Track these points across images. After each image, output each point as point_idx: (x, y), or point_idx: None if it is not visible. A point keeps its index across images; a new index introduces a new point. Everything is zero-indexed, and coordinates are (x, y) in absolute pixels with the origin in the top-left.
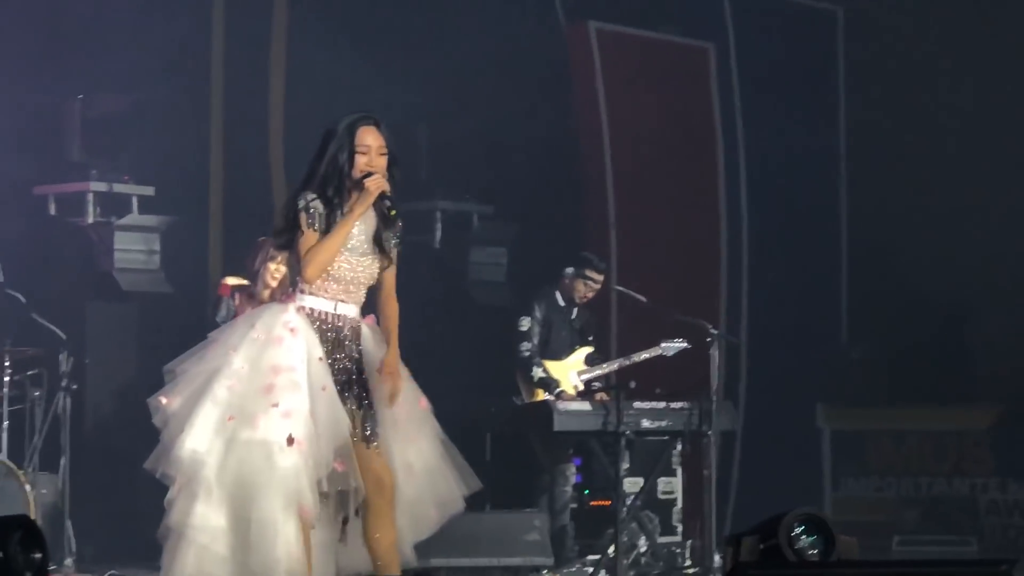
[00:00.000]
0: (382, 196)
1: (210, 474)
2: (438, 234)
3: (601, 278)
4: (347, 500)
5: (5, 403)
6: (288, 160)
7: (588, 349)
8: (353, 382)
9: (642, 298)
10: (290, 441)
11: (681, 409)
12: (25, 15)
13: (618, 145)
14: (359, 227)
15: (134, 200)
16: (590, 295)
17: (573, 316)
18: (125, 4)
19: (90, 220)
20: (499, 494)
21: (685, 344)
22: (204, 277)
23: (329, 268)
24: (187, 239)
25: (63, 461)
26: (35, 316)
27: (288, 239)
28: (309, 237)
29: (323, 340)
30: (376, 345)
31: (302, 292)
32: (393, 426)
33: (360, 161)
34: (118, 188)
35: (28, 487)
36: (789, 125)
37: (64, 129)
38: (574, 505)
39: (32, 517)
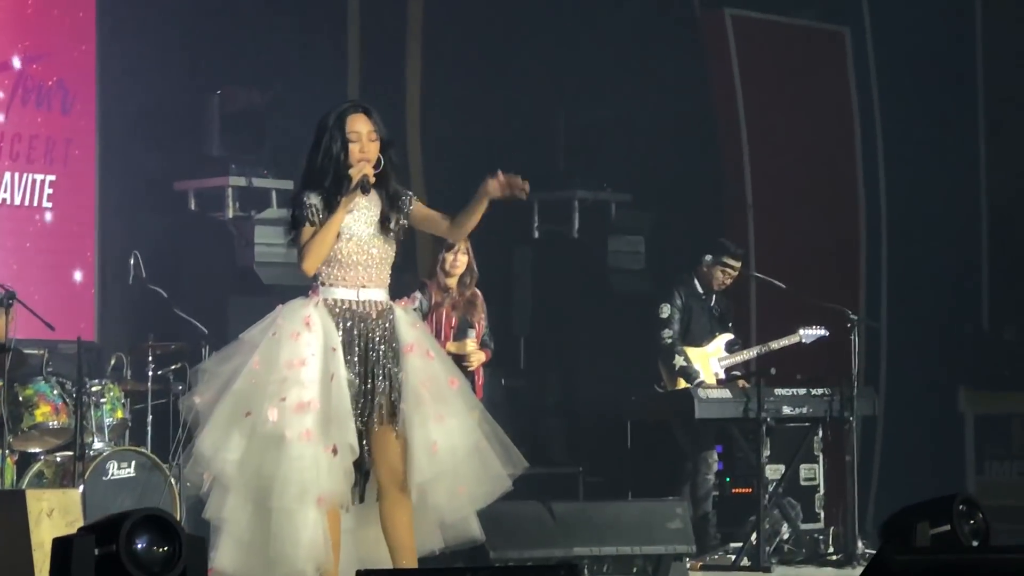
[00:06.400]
0: (378, 179)
1: (232, 469)
2: (576, 223)
3: (738, 265)
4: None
5: (149, 397)
6: (425, 149)
7: (728, 336)
8: (380, 366)
9: (781, 284)
10: (301, 433)
11: (822, 395)
12: (163, 12)
13: (755, 131)
14: (366, 212)
15: (273, 194)
16: (728, 282)
17: (712, 303)
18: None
19: (230, 215)
20: (641, 482)
21: (823, 332)
22: None
23: (340, 256)
24: None
25: None
26: (177, 311)
27: (295, 236)
28: (305, 232)
29: (345, 329)
30: (408, 326)
31: (323, 284)
32: (417, 406)
33: (353, 149)
34: (257, 182)
35: (173, 480)
36: (927, 107)
37: (203, 124)
38: (716, 493)
39: (176, 511)
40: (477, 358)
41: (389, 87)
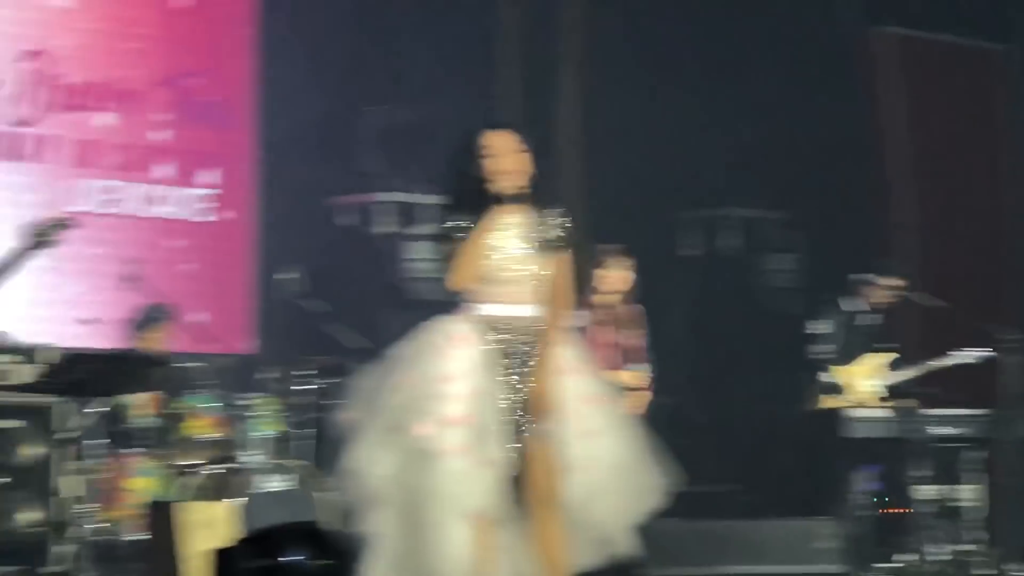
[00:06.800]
0: (527, 194)
1: (383, 484)
2: (730, 241)
3: (898, 284)
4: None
5: (306, 411)
6: (583, 168)
7: (885, 355)
8: (531, 382)
9: (942, 303)
10: (452, 448)
11: (978, 416)
12: (323, 30)
13: (915, 149)
14: (515, 228)
15: (425, 210)
16: (889, 301)
17: (870, 321)
18: (421, 17)
19: (383, 230)
20: (792, 501)
21: (983, 352)
22: None
23: (490, 272)
24: None
25: None
26: (332, 325)
27: (443, 254)
28: (452, 249)
29: (495, 344)
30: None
31: (474, 300)
32: (569, 422)
33: (490, 164)
34: (410, 198)
35: (327, 494)
36: None
37: (359, 141)
38: (869, 512)
39: (331, 525)
40: (640, 399)
41: (544, 107)
